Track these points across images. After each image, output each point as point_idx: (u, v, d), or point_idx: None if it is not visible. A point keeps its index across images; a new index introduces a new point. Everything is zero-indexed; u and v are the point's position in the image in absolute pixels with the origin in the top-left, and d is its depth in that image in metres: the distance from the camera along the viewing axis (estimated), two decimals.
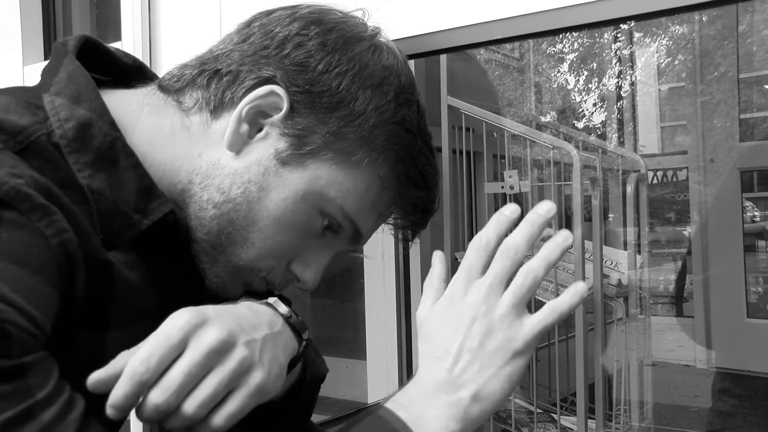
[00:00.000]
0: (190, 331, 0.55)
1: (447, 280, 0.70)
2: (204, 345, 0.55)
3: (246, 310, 0.62)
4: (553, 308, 0.63)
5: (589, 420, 2.03)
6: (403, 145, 0.70)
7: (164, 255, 0.67)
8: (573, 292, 0.64)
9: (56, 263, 0.54)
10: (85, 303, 0.58)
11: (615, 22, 1.03)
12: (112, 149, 0.63)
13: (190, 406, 0.54)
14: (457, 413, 0.62)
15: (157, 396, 0.53)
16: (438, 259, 0.72)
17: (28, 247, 0.52)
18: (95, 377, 0.53)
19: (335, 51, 0.68)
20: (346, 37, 0.69)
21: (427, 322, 0.67)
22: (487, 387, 0.62)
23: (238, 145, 0.68)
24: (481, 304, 0.64)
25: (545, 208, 0.65)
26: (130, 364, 0.53)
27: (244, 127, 0.68)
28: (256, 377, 0.58)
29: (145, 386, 0.53)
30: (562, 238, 0.65)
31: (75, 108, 0.63)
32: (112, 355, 0.57)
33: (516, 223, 0.66)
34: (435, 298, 0.69)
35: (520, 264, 0.65)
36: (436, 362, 0.64)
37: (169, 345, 0.54)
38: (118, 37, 1.32)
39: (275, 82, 0.67)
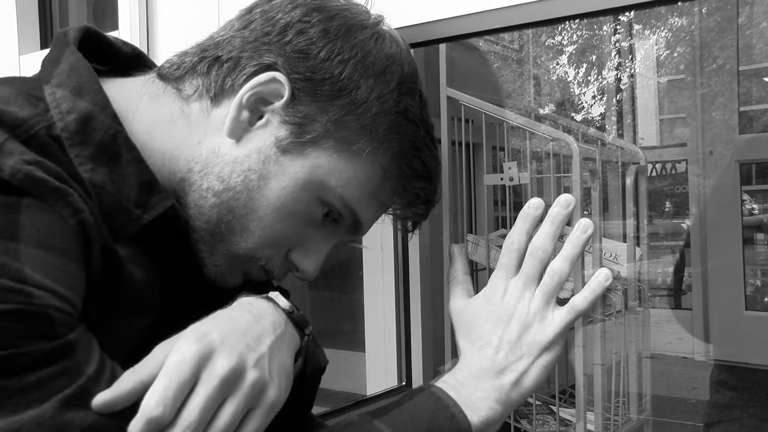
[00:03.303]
0: (201, 363, 0.54)
1: (469, 273, 0.79)
2: (216, 376, 0.54)
3: (248, 315, 0.60)
4: (572, 307, 0.72)
5: (587, 412, 2.02)
6: (406, 135, 0.69)
7: (166, 249, 0.66)
8: (590, 290, 0.72)
9: (78, 242, 0.54)
10: (98, 283, 0.57)
11: (615, 12, 1.02)
12: (114, 143, 0.62)
13: None
14: (500, 396, 0.69)
15: None
16: (457, 253, 0.79)
17: (50, 230, 0.53)
18: (100, 399, 0.52)
19: (337, 38, 0.67)
20: (348, 25, 0.68)
21: (466, 316, 0.75)
22: (525, 375, 0.71)
23: (239, 132, 0.67)
24: (518, 302, 0.72)
25: (564, 203, 0.72)
26: (145, 405, 0.52)
27: (245, 114, 0.67)
28: (269, 396, 0.57)
29: (161, 426, 0.52)
30: (581, 230, 0.72)
31: (77, 100, 0.62)
32: (113, 345, 0.56)
33: (541, 217, 0.73)
34: (466, 292, 0.77)
35: (549, 258, 0.72)
36: (480, 351, 0.72)
37: (182, 381, 0.53)
38: (115, 26, 1.31)
39: (276, 69, 0.66)
